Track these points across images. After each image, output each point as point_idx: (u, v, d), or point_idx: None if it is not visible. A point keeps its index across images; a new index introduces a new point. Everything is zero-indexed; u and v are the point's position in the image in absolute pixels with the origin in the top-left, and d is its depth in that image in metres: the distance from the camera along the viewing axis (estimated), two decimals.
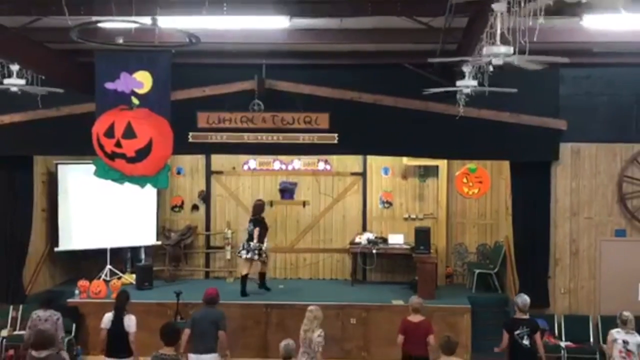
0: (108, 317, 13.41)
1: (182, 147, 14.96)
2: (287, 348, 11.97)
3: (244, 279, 18.32)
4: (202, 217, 21.20)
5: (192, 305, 16.60)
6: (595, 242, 16.89)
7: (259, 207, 18.84)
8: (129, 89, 11.94)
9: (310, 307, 13.63)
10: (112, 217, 19.39)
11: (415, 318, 13.58)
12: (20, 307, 16.98)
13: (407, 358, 13.46)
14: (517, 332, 13.16)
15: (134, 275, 19.38)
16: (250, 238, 18.37)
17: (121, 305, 13.54)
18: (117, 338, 13.19)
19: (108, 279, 19.06)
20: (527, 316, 13.42)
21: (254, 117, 16.59)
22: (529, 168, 16.93)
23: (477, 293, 18.63)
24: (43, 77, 14.14)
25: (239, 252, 18.68)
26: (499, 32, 9.18)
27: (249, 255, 18.24)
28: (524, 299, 13.49)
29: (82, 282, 18.00)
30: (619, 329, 13.17)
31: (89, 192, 18.81)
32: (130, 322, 13.32)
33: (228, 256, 20.71)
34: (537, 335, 13.27)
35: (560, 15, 10.19)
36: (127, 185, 12.85)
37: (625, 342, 12.97)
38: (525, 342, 13.13)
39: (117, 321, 13.28)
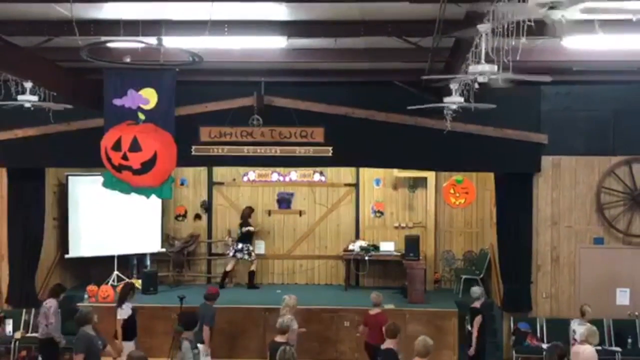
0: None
1: (185, 159, 14.95)
2: (282, 324, 12.58)
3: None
4: (204, 225, 21.21)
5: (195, 309, 16.57)
6: (575, 250, 16.89)
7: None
8: (135, 105, 11.93)
9: (284, 296, 14.80)
10: (119, 226, 19.37)
11: (374, 311, 14.72)
12: (33, 310, 16.92)
13: (366, 346, 14.54)
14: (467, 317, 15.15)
15: (140, 281, 19.35)
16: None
17: (123, 296, 14.66)
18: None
19: (115, 284, 19.02)
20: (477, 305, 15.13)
21: (254, 132, 16.59)
22: (512, 179, 16.93)
23: (463, 298, 18.58)
24: (54, 94, 14.15)
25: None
26: (483, 51, 9.20)
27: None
28: (472, 290, 15.46)
29: (91, 287, 18.01)
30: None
31: (97, 202, 18.78)
32: (121, 310, 14.45)
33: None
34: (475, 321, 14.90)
35: (541, 36, 10.22)
36: (134, 195, 12.84)
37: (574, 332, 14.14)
38: (469, 326, 15.06)
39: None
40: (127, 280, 19.44)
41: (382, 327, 13.19)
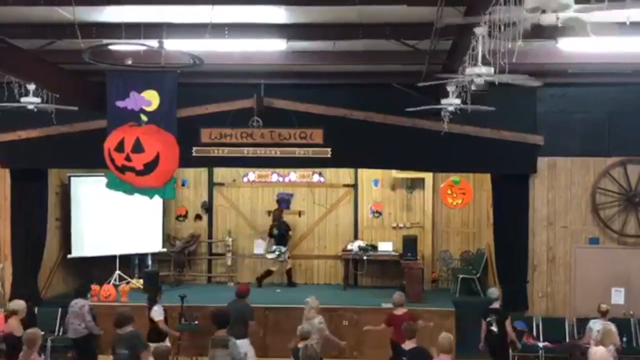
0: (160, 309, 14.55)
1: (186, 160, 14.98)
2: (302, 330, 12.30)
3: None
4: (205, 226, 21.22)
5: (196, 308, 16.62)
6: (571, 250, 16.90)
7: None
8: (137, 107, 11.98)
9: (306, 299, 14.48)
10: (120, 226, 19.38)
11: (399, 311, 14.51)
12: (36, 309, 16.92)
13: (395, 345, 13.87)
14: (488, 319, 14.45)
15: (141, 280, 19.39)
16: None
17: (153, 297, 14.72)
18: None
19: (117, 283, 19.05)
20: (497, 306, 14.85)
21: (253, 133, 16.59)
22: (508, 180, 16.95)
23: (460, 297, 18.60)
24: (57, 96, 14.16)
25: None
26: (480, 54, 9.23)
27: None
28: (491, 291, 15.13)
29: (93, 287, 18.00)
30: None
31: (99, 202, 18.80)
32: (155, 312, 14.40)
33: (229, 262, 20.73)
34: (507, 323, 14.56)
35: (537, 39, 10.26)
36: (136, 196, 12.87)
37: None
38: (495, 328, 14.50)
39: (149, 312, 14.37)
40: (129, 279, 19.50)
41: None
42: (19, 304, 13.97)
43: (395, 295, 14.93)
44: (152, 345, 13.56)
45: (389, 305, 16.71)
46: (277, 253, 19.76)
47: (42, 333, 13.08)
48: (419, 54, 12.77)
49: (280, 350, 15.42)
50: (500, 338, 14.67)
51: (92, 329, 15.07)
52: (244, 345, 13.62)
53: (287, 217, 20.63)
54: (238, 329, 13.55)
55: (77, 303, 15.02)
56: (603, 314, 14.62)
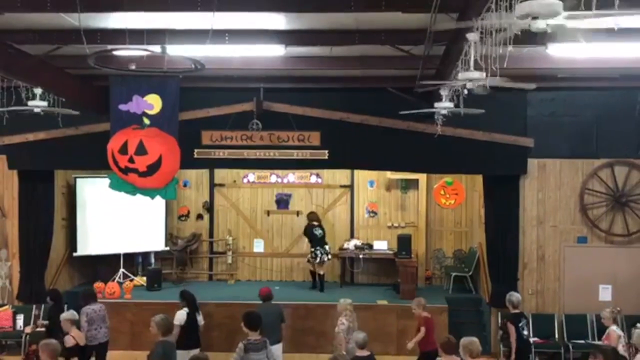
0: (182, 314, 13.77)
1: (188, 162, 14.97)
2: (364, 339, 11.63)
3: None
4: (206, 225, 21.22)
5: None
6: (560, 248, 16.90)
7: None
8: (140, 110, 11.96)
9: (340, 300, 14.37)
10: (124, 226, 19.38)
11: (428, 314, 14.17)
12: (42, 306, 16.91)
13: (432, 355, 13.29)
14: (520, 324, 13.71)
15: (144, 278, 19.39)
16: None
17: (194, 303, 14.19)
18: (194, 331, 13.91)
19: (121, 281, 19.05)
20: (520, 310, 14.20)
21: (253, 135, 16.58)
22: (499, 181, 16.94)
23: (453, 294, 18.62)
24: (63, 100, 14.16)
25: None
26: (472, 59, 9.22)
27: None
28: (516, 296, 14.22)
29: (98, 284, 17.97)
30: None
31: (104, 203, 18.82)
32: (200, 316, 14.20)
33: (229, 260, 20.74)
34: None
35: (527, 44, 10.24)
36: (139, 196, 12.84)
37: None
38: (526, 332, 13.94)
39: (193, 317, 13.90)
40: (132, 277, 19.48)
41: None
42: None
43: (422, 300, 14.36)
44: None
45: (384, 302, 16.76)
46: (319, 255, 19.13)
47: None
48: (413, 59, 12.75)
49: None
50: (528, 341, 14.40)
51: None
52: (278, 350, 13.51)
53: (285, 217, 20.64)
54: (275, 333, 13.38)
55: (102, 308, 14.25)
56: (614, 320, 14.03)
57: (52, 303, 15.28)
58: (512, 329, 13.53)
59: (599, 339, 15.50)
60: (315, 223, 19.47)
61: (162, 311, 16.42)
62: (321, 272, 19.16)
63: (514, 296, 14.07)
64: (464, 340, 10.30)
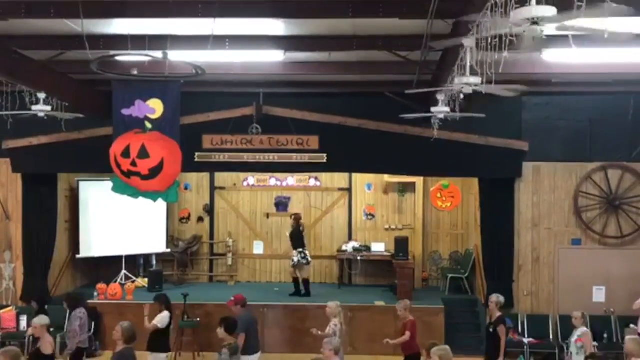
0: (166, 317, 13.54)
1: (189, 165, 14.97)
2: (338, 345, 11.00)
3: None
4: (207, 227, 21.19)
5: (198, 306, 16.64)
6: (554, 250, 16.92)
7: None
8: (142, 115, 11.97)
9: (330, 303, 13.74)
10: (126, 228, 19.34)
11: (412, 317, 13.85)
12: (46, 307, 16.89)
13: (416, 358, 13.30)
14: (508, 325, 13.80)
15: (146, 279, 19.38)
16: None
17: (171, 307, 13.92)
18: (168, 335, 13.83)
19: (123, 282, 19.02)
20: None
21: (253, 139, 16.58)
22: (495, 184, 16.94)
23: (450, 295, 18.62)
24: (66, 104, 14.16)
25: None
26: (468, 64, 9.23)
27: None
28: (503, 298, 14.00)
29: (100, 285, 17.96)
30: None
31: (106, 205, 18.78)
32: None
33: (229, 262, 20.72)
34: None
35: (519, 50, 10.24)
36: (141, 199, 12.85)
37: None
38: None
39: (171, 321, 13.72)
40: (134, 278, 19.48)
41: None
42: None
43: (408, 302, 14.19)
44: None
45: (382, 303, 16.74)
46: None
47: (52, 329, 12.98)
48: (410, 65, 12.77)
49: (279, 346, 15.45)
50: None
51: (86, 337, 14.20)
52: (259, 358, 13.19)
53: (284, 220, 20.61)
54: (257, 340, 13.22)
55: (80, 312, 14.04)
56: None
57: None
58: (503, 330, 13.45)
59: (594, 340, 15.52)
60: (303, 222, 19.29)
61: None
62: (306, 276, 18.83)
63: (501, 297, 13.88)
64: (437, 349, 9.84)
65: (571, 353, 13.50)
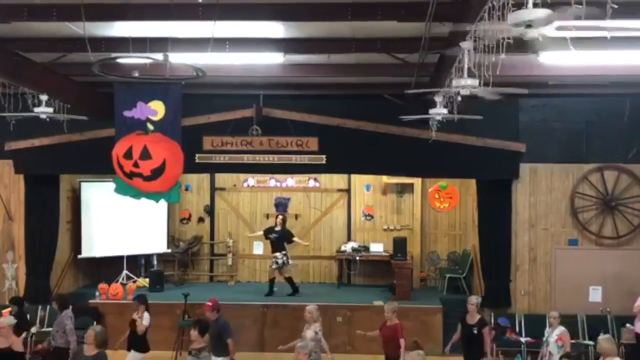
0: (148, 317, 13.66)
1: (189, 167, 14.91)
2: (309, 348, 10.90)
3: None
4: (207, 228, 21.20)
5: (199, 306, 16.60)
6: (551, 250, 16.94)
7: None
8: (144, 116, 11.94)
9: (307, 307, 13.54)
10: (128, 228, 19.36)
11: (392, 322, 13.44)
12: (48, 307, 16.86)
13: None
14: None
15: (147, 279, 19.38)
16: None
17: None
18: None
19: (124, 282, 19.05)
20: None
21: (253, 141, 16.59)
22: (492, 185, 16.95)
23: (447, 295, 18.60)
24: (68, 106, 14.19)
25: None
26: (466, 66, 9.24)
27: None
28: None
29: (102, 285, 17.98)
30: None
31: (108, 206, 18.81)
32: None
33: (230, 262, 20.73)
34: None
35: (519, 52, 10.25)
36: (143, 200, 12.85)
37: None
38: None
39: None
40: (135, 278, 19.49)
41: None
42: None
43: (396, 305, 13.83)
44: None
45: (380, 303, 16.72)
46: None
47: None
48: (409, 67, 12.78)
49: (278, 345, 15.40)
50: None
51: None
52: None
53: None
54: (219, 346, 12.66)
55: (68, 313, 13.98)
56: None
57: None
58: (487, 331, 13.48)
59: (590, 339, 15.55)
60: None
61: (165, 312, 16.62)
62: (289, 275, 18.87)
63: (480, 299, 14.01)
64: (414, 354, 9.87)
65: (550, 352, 13.57)
